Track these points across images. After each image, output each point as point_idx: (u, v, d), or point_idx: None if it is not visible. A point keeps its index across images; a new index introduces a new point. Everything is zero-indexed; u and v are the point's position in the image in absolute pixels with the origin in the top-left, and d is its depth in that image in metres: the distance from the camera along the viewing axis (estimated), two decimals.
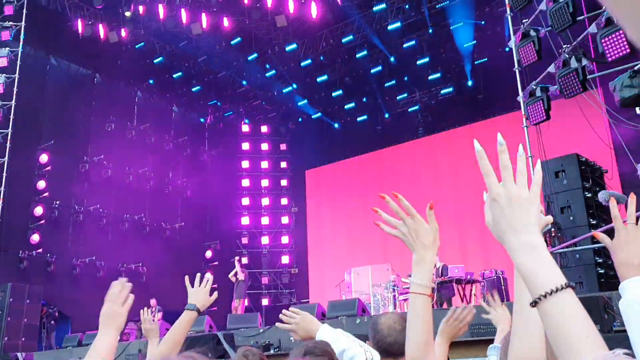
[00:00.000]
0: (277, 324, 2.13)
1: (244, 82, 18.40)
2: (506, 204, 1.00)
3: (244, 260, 19.13)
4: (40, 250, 14.01)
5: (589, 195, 7.97)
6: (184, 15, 15.38)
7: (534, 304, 0.90)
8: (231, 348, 8.37)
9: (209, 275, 2.57)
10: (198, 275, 2.59)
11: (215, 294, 2.57)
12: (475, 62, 15.81)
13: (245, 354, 2.84)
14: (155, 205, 17.28)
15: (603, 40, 6.55)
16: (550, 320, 0.89)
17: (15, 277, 13.04)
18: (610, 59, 6.56)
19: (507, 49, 14.00)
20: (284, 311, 2.15)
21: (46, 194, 14.39)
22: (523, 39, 8.42)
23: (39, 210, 14.20)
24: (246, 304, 13.24)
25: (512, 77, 9.47)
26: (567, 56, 7.42)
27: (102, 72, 16.77)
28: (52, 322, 12.63)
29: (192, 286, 2.52)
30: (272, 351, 8.48)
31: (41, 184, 14.32)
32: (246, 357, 2.80)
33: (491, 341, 6.84)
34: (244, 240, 19.39)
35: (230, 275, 12.83)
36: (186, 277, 2.52)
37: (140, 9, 15.22)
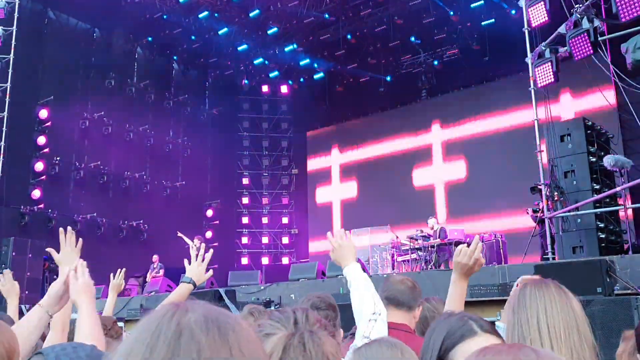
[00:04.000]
0: (328, 233, 2.17)
1: (245, 40, 18.02)
2: None
3: (245, 220, 19.29)
4: (41, 205, 14.06)
5: (594, 160, 7.91)
6: None
7: None
8: (233, 303, 8.51)
9: (209, 255, 2.57)
10: (203, 245, 2.61)
11: (211, 271, 2.61)
12: (482, 24, 15.44)
13: (252, 311, 2.87)
14: (155, 163, 17.24)
15: (617, 0, 6.35)
16: None
17: (17, 232, 13.14)
18: (624, 19, 6.37)
19: (513, 11, 13.72)
20: (340, 229, 2.17)
21: (46, 150, 14.33)
22: None
23: (39, 166, 14.17)
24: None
25: (518, 39, 9.25)
26: (579, 16, 7.21)
27: (101, 27, 16.42)
28: (55, 276, 12.73)
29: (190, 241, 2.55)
30: (272, 307, 8.62)
31: (41, 140, 14.24)
32: (252, 314, 2.83)
33: (491, 302, 6.93)
34: (244, 200, 19.46)
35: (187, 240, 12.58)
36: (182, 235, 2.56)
37: None
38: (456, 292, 2.04)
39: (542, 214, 9.92)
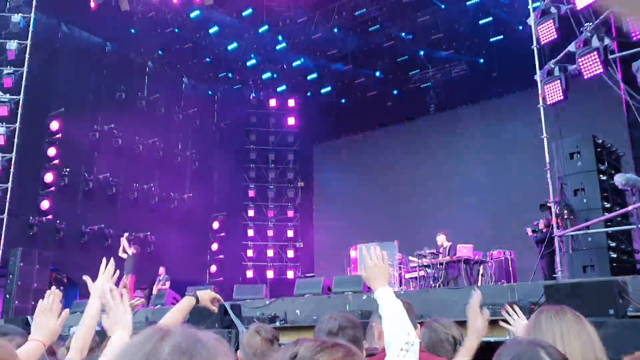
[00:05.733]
0: (364, 248, 2.14)
1: (254, 55, 18.18)
2: None
3: (250, 233, 19.28)
4: (50, 216, 14.12)
5: (604, 178, 7.84)
6: None
7: None
8: (238, 319, 8.45)
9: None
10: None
11: (215, 305, 2.59)
12: (491, 40, 15.50)
13: (258, 330, 2.83)
14: (164, 175, 17.33)
15: (629, 19, 6.35)
16: None
17: (25, 242, 13.18)
18: (635, 38, 6.37)
19: (520, 27, 13.75)
20: (377, 248, 2.12)
21: (56, 161, 14.43)
22: (543, 16, 8.20)
23: (49, 177, 14.26)
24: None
25: (527, 56, 9.26)
26: (589, 35, 7.22)
27: (114, 41, 16.62)
28: (61, 287, 12.80)
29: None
30: (277, 323, 8.55)
31: (52, 151, 14.34)
32: (258, 333, 2.78)
33: (492, 322, 6.86)
34: (250, 213, 19.47)
35: (120, 253, 12.52)
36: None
37: None
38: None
39: (542, 235, 9.86)
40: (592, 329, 1.59)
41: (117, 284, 2.12)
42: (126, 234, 13.09)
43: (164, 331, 0.67)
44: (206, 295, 2.55)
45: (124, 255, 12.49)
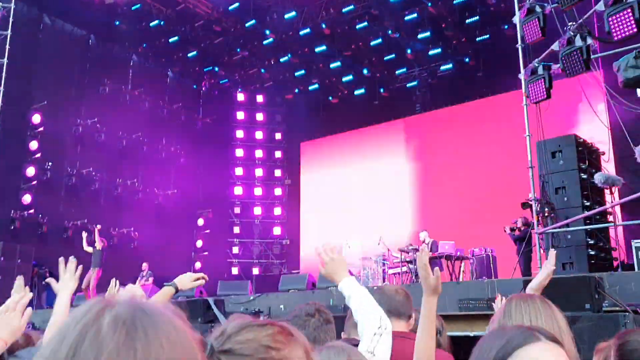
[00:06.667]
0: (316, 247, 2.08)
1: (240, 50, 18.07)
2: None
3: (237, 230, 19.21)
4: (31, 211, 13.94)
5: (585, 177, 7.95)
6: None
7: None
8: (221, 314, 8.42)
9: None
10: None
11: (200, 281, 2.56)
12: (477, 39, 15.60)
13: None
14: (148, 171, 17.18)
15: (610, 19, 6.43)
16: None
17: (7, 237, 13.01)
18: (616, 38, 6.45)
19: (506, 26, 13.87)
20: (326, 243, 2.10)
21: (38, 155, 14.24)
22: (528, 15, 8.28)
23: (31, 171, 14.07)
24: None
25: (513, 55, 9.34)
26: (572, 34, 7.30)
27: (97, 34, 16.42)
28: (43, 282, 12.64)
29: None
30: (261, 318, 8.54)
31: (33, 145, 14.15)
32: None
33: (478, 317, 6.92)
34: (237, 210, 19.40)
35: (85, 247, 12.40)
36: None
37: None
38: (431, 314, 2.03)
39: (519, 232, 10.00)
40: (561, 317, 1.62)
41: (81, 278, 2.15)
42: (98, 227, 12.95)
43: (106, 302, 0.64)
44: (185, 278, 2.54)
45: (89, 249, 12.30)
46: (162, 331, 0.63)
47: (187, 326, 0.66)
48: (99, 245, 12.38)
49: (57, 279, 2.30)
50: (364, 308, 1.89)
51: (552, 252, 2.60)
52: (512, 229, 10.32)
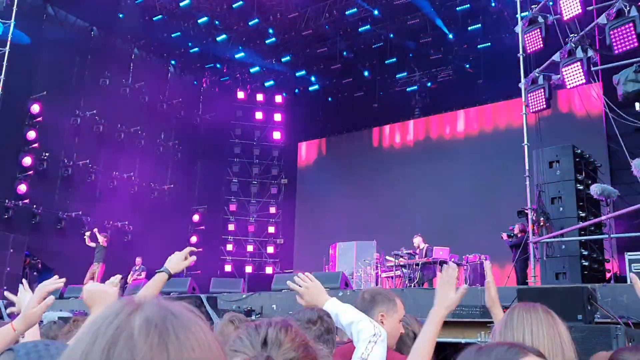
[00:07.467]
0: (288, 282, 2.10)
1: (242, 48, 18.07)
2: None
3: (231, 227, 19.19)
4: (26, 200, 13.89)
5: (581, 187, 7.99)
6: None
7: None
8: (214, 311, 8.41)
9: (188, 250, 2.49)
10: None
11: (191, 258, 2.52)
12: (478, 47, 15.65)
13: (232, 319, 2.83)
14: (145, 165, 17.14)
15: (612, 32, 6.47)
16: None
17: (0, 226, 12.95)
18: (617, 52, 6.49)
19: (507, 35, 13.91)
20: (299, 274, 2.11)
21: (36, 145, 14.19)
22: (530, 25, 8.32)
23: (27, 161, 14.02)
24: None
25: (513, 64, 9.38)
26: (574, 46, 7.34)
27: (100, 26, 16.38)
28: (35, 272, 12.59)
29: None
30: (253, 317, 8.54)
31: (31, 134, 14.10)
32: (232, 322, 2.78)
33: (470, 323, 6.93)
34: (232, 207, 19.38)
35: (87, 242, 12.57)
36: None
37: None
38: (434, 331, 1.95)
39: (516, 239, 10.04)
40: (563, 328, 1.62)
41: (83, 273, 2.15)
42: (96, 230, 13.08)
43: (134, 304, 0.64)
44: (175, 259, 2.50)
45: (92, 244, 12.47)
46: (192, 333, 0.63)
47: (208, 326, 0.67)
48: (102, 241, 12.51)
49: (48, 270, 2.30)
50: (355, 321, 1.91)
51: (487, 264, 2.58)
52: (509, 235, 10.35)
